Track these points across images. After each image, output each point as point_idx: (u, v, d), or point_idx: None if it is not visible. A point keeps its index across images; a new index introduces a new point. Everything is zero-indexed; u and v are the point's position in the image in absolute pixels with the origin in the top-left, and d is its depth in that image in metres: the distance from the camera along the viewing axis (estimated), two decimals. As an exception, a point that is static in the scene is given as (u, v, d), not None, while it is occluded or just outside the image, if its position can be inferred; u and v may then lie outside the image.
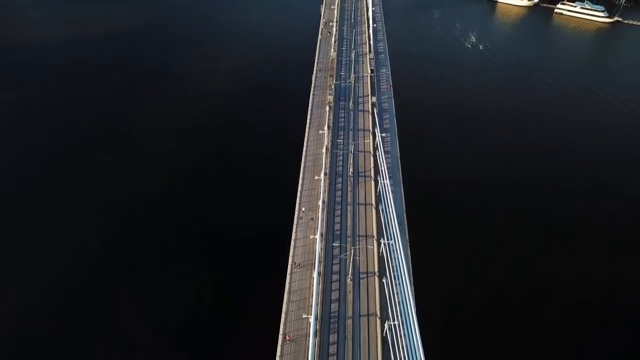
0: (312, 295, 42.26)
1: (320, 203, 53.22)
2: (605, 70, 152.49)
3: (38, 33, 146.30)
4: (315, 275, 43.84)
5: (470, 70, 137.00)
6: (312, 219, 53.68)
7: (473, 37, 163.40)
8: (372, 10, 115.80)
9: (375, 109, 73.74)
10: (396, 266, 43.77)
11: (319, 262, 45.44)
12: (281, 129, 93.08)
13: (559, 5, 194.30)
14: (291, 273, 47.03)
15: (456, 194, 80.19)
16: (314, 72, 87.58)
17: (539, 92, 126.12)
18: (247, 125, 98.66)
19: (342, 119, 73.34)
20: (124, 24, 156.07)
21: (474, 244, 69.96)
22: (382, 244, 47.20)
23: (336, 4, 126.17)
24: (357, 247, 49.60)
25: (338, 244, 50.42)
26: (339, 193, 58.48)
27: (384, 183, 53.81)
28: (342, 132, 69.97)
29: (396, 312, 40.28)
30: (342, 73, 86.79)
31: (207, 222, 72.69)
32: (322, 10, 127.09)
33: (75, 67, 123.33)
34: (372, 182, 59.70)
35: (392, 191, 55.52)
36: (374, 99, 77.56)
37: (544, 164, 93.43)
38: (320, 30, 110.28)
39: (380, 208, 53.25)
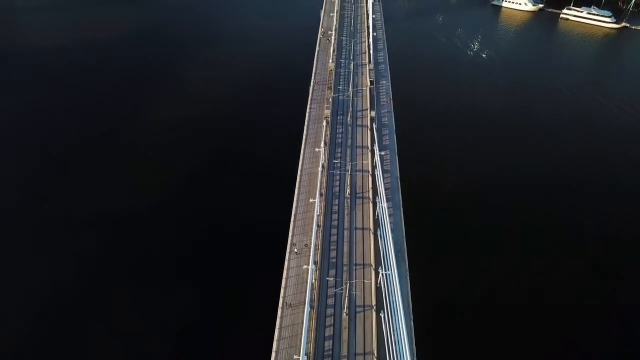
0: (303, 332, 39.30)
1: (314, 227, 50.30)
2: (611, 76, 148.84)
3: (39, 35, 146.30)
4: (306, 309, 40.88)
5: (475, 80, 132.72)
6: (305, 245, 50.74)
7: (477, 44, 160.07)
8: (373, 18, 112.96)
9: (374, 124, 70.56)
10: (394, 300, 40.76)
11: (311, 295, 42.49)
12: (274, 146, 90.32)
13: (564, 11, 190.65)
14: (282, 307, 44.07)
15: (459, 217, 75.82)
16: (311, 84, 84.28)
17: (544, 99, 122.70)
18: (241, 138, 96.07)
19: (340, 135, 70.22)
20: (124, 26, 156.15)
21: (478, 272, 66.08)
22: (380, 275, 44.21)
23: (335, 11, 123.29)
24: (354, 280, 46.47)
25: (333, 277, 47.31)
26: (335, 216, 55.37)
27: (382, 206, 50.84)
28: (339, 150, 66.80)
29: (393, 351, 37.32)
30: (340, 85, 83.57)
31: (198, 241, 70.43)
32: (321, 17, 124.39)
33: (76, 67, 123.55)
34: (370, 205, 56.54)
35: (391, 214, 52.74)
36: (373, 113, 74.41)
37: (561, 181, 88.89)
38: (318, 39, 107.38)
39: (378, 233, 50.25)
